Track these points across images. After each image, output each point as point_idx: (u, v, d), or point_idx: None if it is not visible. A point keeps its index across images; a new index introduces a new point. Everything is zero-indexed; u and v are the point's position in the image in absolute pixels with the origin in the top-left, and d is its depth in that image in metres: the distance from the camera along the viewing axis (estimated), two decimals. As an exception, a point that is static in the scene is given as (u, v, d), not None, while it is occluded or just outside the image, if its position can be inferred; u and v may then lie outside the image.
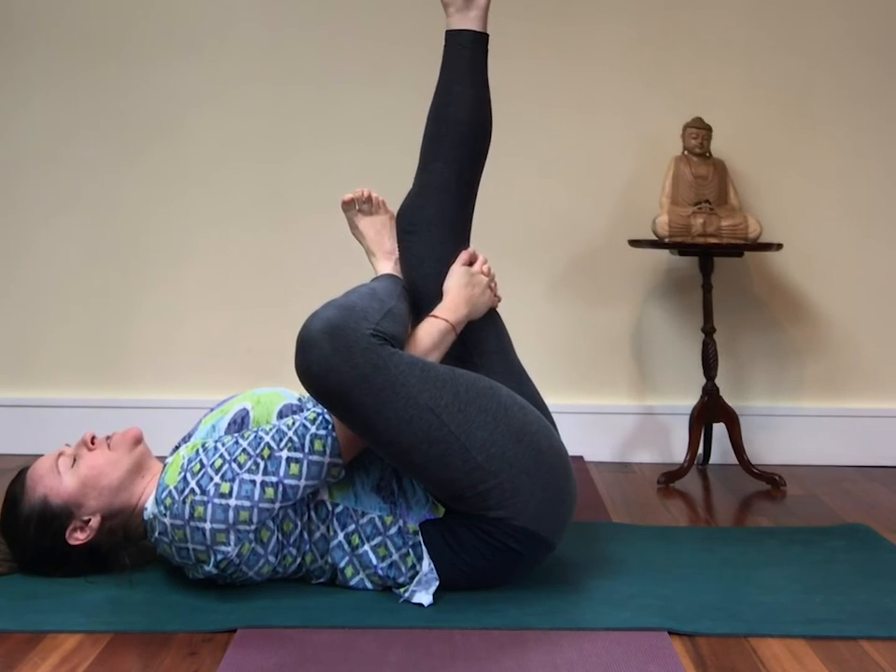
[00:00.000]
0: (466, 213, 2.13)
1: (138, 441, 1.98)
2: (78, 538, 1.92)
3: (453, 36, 2.12)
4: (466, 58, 2.10)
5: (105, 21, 3.16)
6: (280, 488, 1.82)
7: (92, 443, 1.97)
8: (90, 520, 1.92)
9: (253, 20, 3.17)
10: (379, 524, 1.88)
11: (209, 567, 1.83)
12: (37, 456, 2.01)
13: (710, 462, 3.08)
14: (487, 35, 2.12)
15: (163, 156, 3.18)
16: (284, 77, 3.17)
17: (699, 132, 2.94)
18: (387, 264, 2.16)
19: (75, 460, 1.94)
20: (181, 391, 3.18)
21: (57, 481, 1.92)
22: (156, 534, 1.84)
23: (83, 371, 3.20)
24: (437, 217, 2.09)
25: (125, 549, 1.94)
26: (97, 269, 3.19)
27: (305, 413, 1.89)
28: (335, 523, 1.89)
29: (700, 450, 3.00)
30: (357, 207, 2.21)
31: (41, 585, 1.93)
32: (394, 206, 2.19)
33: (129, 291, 3.20)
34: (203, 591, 1.88)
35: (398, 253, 2.14)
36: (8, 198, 3.20)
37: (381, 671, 1.59)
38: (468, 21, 2.10)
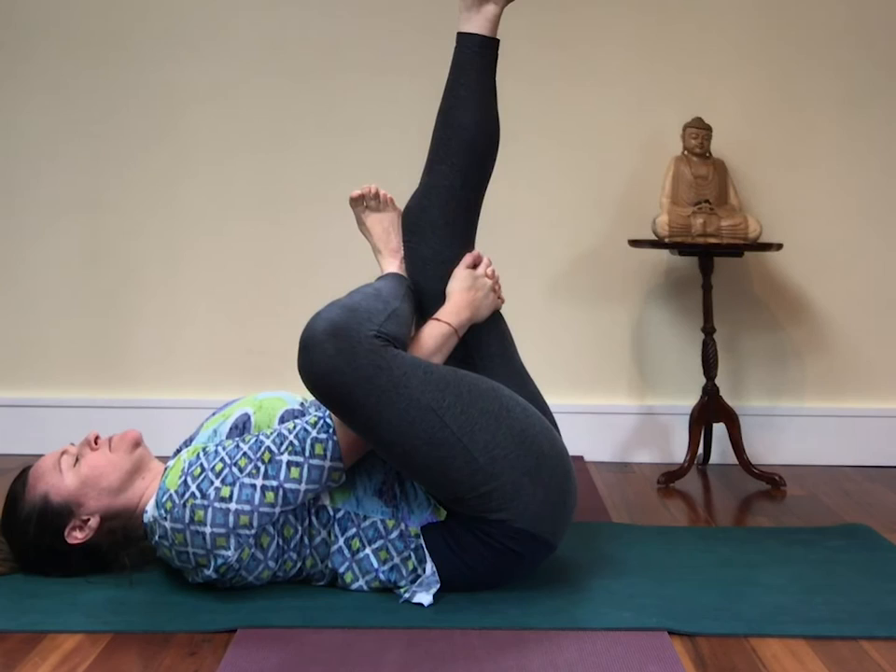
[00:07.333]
0: (471, 216, 2.12)
1: (137, 443, 1.98)
2: (77, 537, 1.92)
3: (462, 39, 2.10)
4: (473, 62, 2.08)
5: (105, 20, 3.16)
6: (280, 492, 1.81)
7: (95, 443, 1.97)
8: (89, 519, 1.92)
9: (252, 17, 3.17)
10: (381, 527, 1.88)
11: (209, 572, 1.83)
12: (38, 456, 2.01)
13: (710, 462, 3.08)
14: (497, 41, 2.10)
15: (163, 156, 3.18)
16: (284, 76, 3.16)
17: (699, 132, 2.94)
18: (393, 262, 2.15)
19: (77, 459, 1.95)
20: (182, 391, 3.18)
21: (58, 479, 1.92)
22: (156, 537, 1.84)
23: (83, 372, 3.20)
24: (441, 220, 2.08)
25: (125, 550, 1.94)
26: (97, 269, 3.19)
27: (306, 417, 1.88)
28: (336, 527, 1.89)
29: (700, 450, 3.00)
30: (364, 204, 2.21)
31: (41, 585, 1.93)
32: (400, 205, 2.19)
33: (129, 291, 3.20)
34: (203, 591, 1.88)
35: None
36: (8, 198, 3.19)
37: (381, 671, 1.59)
38: (477, 25, 2.08)
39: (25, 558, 1.97)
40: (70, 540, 1.92)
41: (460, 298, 2.04)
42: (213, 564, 1.81)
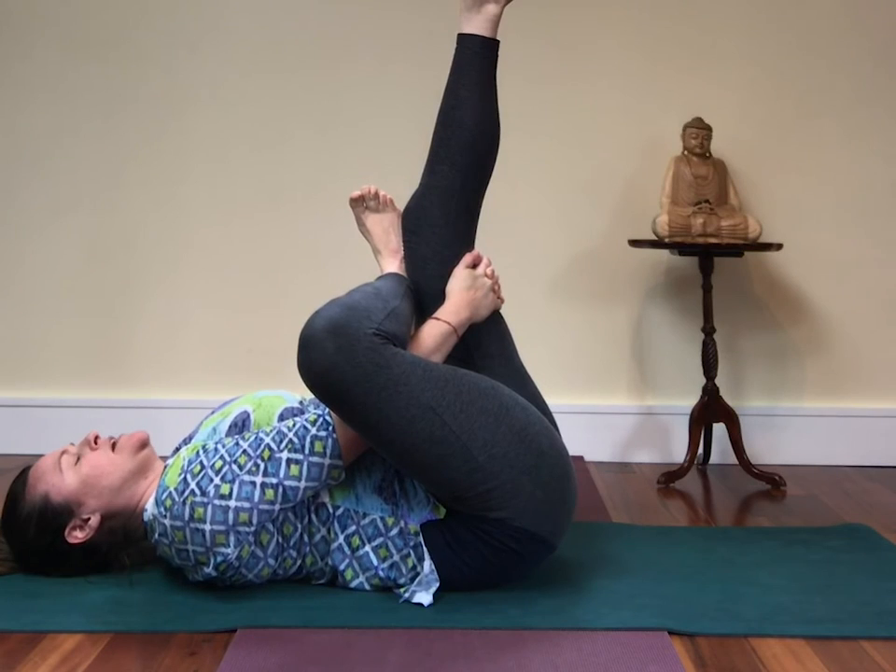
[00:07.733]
0: (471, 216, 2.13)
1: (144, 444, 1.98)
2: (77, 536, 1.92)
3: (462, 40, 2.11)
4: (474, 63, 2.09)
5: (104, 19, 3.16)
6: (280, 489, 1.82)
7: (95, 443, 1.97)
8: (89, 519, 1.92)
9: (252, 16, 3.17)
10: (380, 525, 1.88)
11: (209, 570, 1.83)
12: (37, 457, 2.01)
13: (710, 462, 3.08)
14: (497, 42, 2.11)
15: (163, 155, 3.18)
16: (284, 75, 3.16)
17: (699, 132, 2.94)
18: (393, 262, 2.15)
19: (77, 459, 1.95)
20: (181, 391, 3.18)
21: (59, 478, 1.92)
22: (156, 535, 1.84)
23: (83, 371, 3.20)
24: (441, 220, 2.08)
25: (125, 549, 1.94)
26: (97, 268, 3.19)
27: (306, 415, 1.89)
28: (336, 525, 1.89)
29: (700, 450, 3.00)
30: (364, 204, 2.21)
31: (41, 585, 1.93)
32: (400, 205, 2.19)
33: (129, 291, 3.20)
34: (203, 591, 1.88)
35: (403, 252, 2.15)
36: (8, 197, 3.20)
37: (381, 671, 1.59)
38: (478, 26, 2.09)
39: (25, 558, 1.97)
40: (70, 540, 1.92)
41: (460, 297, 2.04)
42: (213, 561, 1.81)
